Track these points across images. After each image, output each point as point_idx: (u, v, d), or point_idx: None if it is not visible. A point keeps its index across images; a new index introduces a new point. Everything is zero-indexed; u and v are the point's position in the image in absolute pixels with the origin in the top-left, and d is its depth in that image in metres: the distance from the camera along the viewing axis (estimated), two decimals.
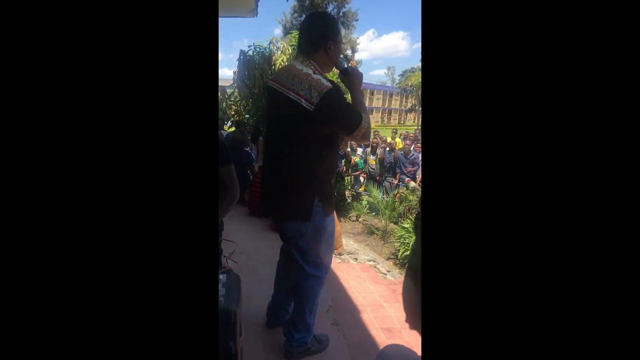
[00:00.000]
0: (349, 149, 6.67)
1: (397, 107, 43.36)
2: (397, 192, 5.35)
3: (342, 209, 5.11)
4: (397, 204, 4.84)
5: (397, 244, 3.95)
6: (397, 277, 3.31)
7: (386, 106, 42.45)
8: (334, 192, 4.09)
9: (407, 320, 0.58)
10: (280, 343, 1.59)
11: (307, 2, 20.83)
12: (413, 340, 1.88)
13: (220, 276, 1.16)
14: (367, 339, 1.95)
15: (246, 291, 1.35)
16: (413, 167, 6.19)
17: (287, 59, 4.80)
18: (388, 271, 3.57)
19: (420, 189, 4.89)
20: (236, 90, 5.43)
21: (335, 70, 1.47)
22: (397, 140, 7.39)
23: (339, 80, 1.50)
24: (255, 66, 4.89)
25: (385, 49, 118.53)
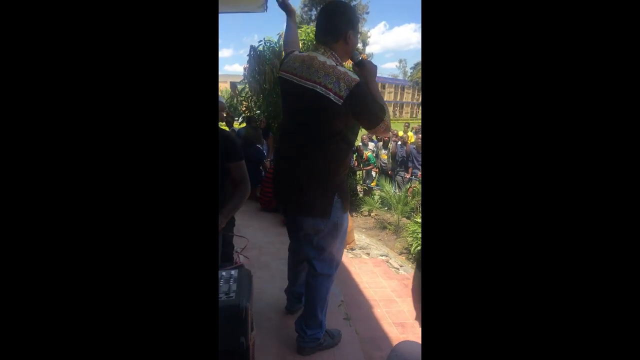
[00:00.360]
0: (360, 144, 6.62)
1: (409, 100, 42.74)
2: (410, 187, 5.31)
3: (354, 204, 5.10)
4: (409, 198, 4.80)
5: (409, 239, 3.93)
6: (409, 272, 3.29)
7: (398, 99, 41.91)
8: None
9: (416, 318, 0.57)
10: (293, 338, 1.60)
11: None
12: None
13: (232, 272, 1.17)
14: (379, 334, 1.94)
15: (258, 286, 1.35)
16: None
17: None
18: (401, 266, 3.56)
19: None
20: (247, 86, 5.43)
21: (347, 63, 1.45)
22: (410, 134, 7.29)
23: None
24: (265, 61, 4.88)
25: (397, 42, 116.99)
